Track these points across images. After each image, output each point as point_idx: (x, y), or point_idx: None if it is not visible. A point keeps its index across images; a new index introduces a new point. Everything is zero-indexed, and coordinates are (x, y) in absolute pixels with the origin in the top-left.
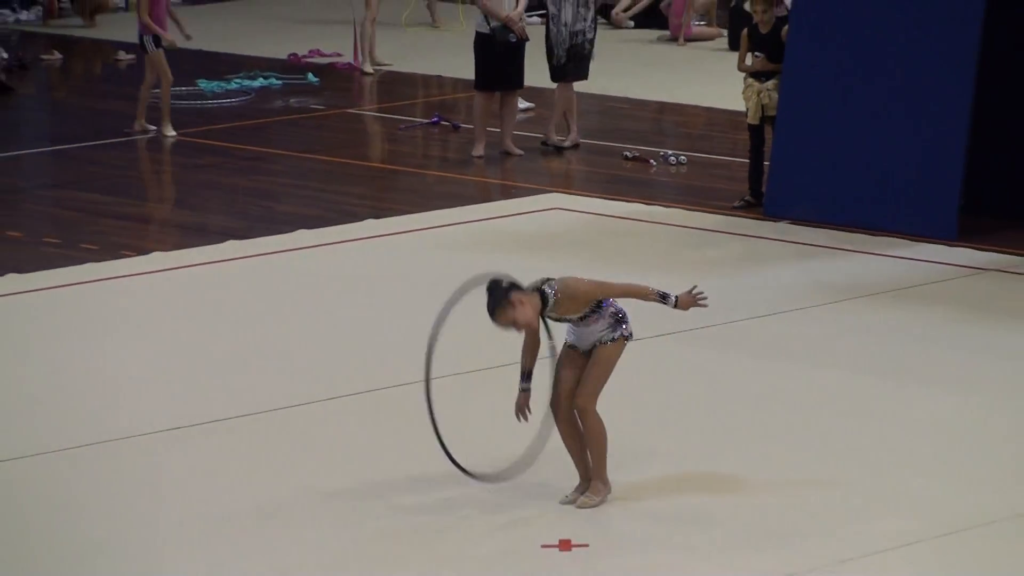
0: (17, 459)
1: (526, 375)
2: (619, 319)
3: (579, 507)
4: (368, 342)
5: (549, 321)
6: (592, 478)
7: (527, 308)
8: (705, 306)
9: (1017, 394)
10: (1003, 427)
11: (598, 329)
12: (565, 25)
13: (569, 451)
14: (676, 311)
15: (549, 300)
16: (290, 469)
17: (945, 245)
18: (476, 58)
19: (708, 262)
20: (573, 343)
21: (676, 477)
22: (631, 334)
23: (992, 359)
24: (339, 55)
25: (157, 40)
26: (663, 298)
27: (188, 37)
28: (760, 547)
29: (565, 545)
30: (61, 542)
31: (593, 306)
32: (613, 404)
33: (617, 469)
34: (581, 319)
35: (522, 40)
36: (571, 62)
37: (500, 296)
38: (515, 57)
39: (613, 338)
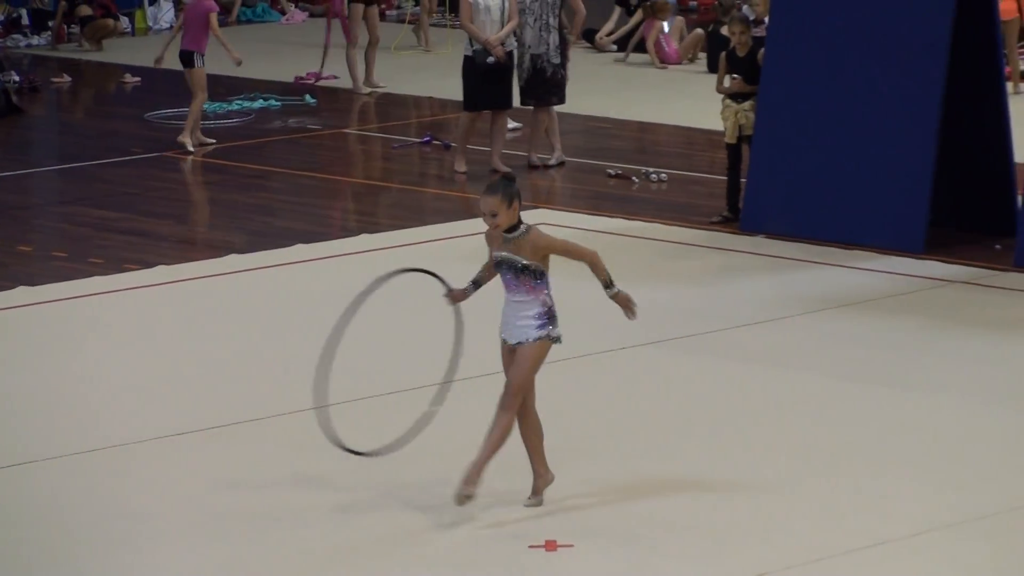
0: (27, 463)
1: (476, 281)
2: (550, 317)
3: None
4: (362, 351)
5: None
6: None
7: (512, 216)
8: (630, 318)
9: (984, 397)
10: (971, 429)
11: (528, 316)
12: (527, 47)
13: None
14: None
15: (519, 228)
16: (283, 475)
17: (913, 258)
18: (463, 80)
19: (687, 274)
20: (504, 335)
21: (656, 479)
22: (559, 337)
23: (960, 364)
24: (335, 77)
25: (203, 57)
26: (608, 284)
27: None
28: (737, 546)
29: (551, 545)
30: (56, 547)
31: (539, 269)
32: (594, 409)
33: (601, 471)
34: (523, 269)
35: (501, 62)
36: (540, 86)
37: (510, 190)
38: (500, 78)
39: (539, 336)
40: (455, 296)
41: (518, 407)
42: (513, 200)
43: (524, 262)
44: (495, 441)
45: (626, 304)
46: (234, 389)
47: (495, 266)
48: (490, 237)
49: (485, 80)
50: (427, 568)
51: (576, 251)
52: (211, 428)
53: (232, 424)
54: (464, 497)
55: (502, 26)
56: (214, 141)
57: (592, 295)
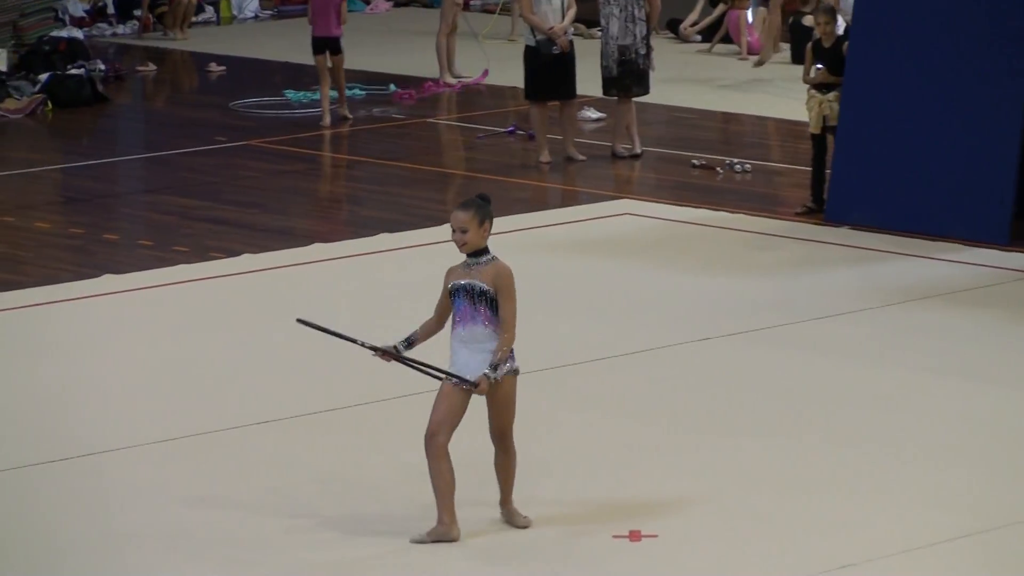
0: (112, 451)
1: (409, 340)
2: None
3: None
4: (443, 341)
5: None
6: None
7: (481, 238)
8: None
9: None
10: None
11: (488, 351)
12: (613, 38)
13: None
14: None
15: (486, 256)
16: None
17: (998, 249)
18: (525, 69)
19: (770, 265)
20: (456, 372)
21: (738, 471)
22: (518, 369)
23: None
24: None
25: (317, 45)
26: (493, 367)
27: None
28: (820, 539)
29: (635, 536)
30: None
31: (490, 305)
32: (675, 402)
33: (684, 463)
34: (482, 295)
35: (565, 53)
36: (627, 77)
37: (484, 209)
38: (563, 68)
39: (508, 371)
40: (385, 357)
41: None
42: (485, 221)
43: (484, 287)
44: (510, 477)
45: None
46: (317, 381)
47: (451, 295)
48: (450, 271)
49: (547, 70)
50: (513, 555)
51: (508, 321)
52: (301, 415)
53: (313, 414)
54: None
55: (562, 16)
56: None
57: (670, 288)
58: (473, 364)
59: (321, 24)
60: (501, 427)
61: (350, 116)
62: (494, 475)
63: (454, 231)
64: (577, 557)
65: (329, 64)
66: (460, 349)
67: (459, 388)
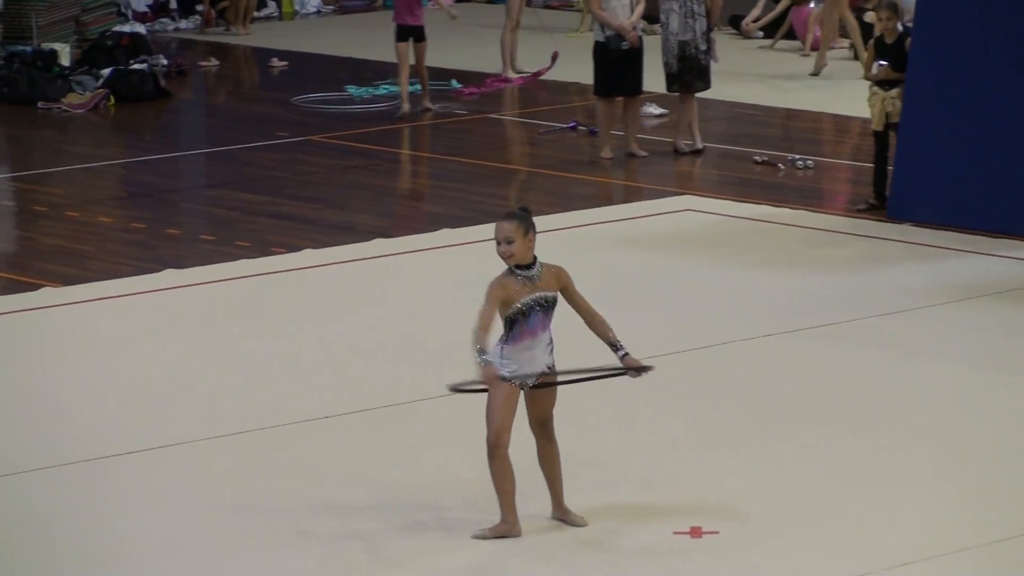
0: (179, 444)
1: (483, 351)
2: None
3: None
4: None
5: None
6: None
7: (526, 249)
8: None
9: None
10: None
11: (549, 346)
12: (673, 34)
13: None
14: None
15: (535, 266)
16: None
17: None
18: (594, 65)
19: (832, 261)
20: (524, 378)
21: (799, 468)
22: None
23: None
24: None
25: (401, 33)
26: (616, 347)
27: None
28: (876, 537)
29: (696, 532)
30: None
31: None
32: (736, 397)
33: (743, 459)
34: (554, 303)
35: (635, 48)
36: (687, 72)
37: (528, 220)
38: (631, 64)
39: (554, 363)
40: (491, 374)
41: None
42: (529, 231)
43: (553, 295)
44: (558, 469)
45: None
46: (378, 375)
47: (525, 312)
48: (504, 286)
49: (616, 66)
50: (577, 552)
51: (590, 308)
52: (354, 412)
53: (372, 409)
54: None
55: (631, 12)
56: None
57: (732, 284)
58: (538, 362)
59: (406, 12)
60: (543, 415)
61: (432, 107)
62: (541, 476)
63: (499, 243)
64: (637, 554)
65: (412, 58)
66: (533, 354)
67: (516, 387)
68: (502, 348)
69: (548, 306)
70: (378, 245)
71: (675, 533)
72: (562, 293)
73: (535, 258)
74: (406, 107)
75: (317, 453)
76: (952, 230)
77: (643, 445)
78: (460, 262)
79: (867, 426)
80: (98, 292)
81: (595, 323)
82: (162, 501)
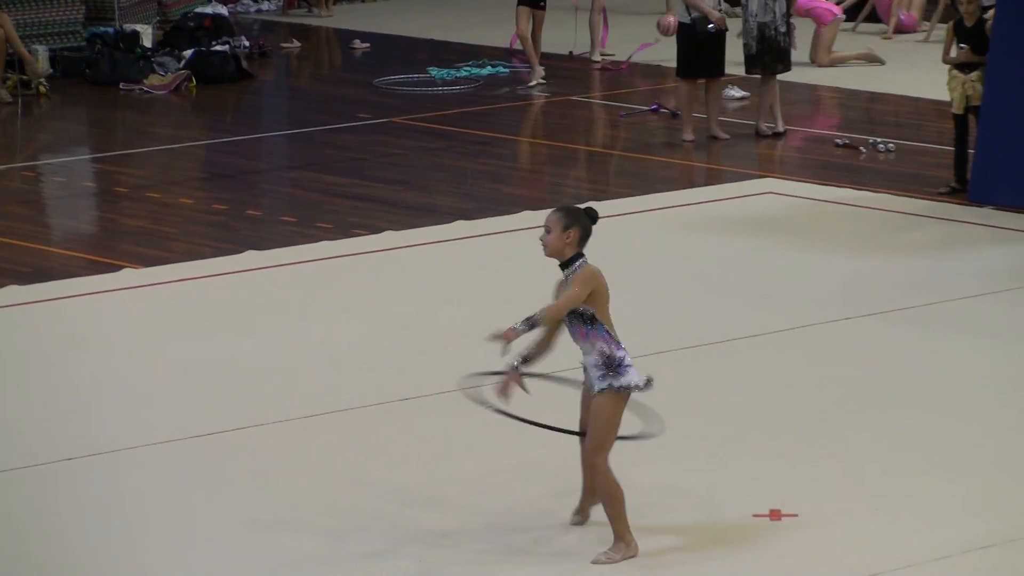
0: (256, 426)
1: (525, 358)
2: (609, 366)
3: (594, 562)
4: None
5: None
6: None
7: (560, 245)
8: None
9: None
10: None
11: (592, 366)
12: (753, 16)
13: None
14: None
15: (575, 263)
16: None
17: None
18: (678, 47)
19: (913, 245)
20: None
21: (878, 449)
22: (625, 386)
23: None
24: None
25: None
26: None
27: None
28: (954, 520)
29: (775, 515)
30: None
31: (587, 312)
32: (815, 380)
33: (823, 441)
34: (571, 314)
35: (721, 30)
36: (767, 54)
37: (574, 215)
38: (716, 46)
39: (603, 388)
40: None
41: (603, 462)
42: (571, 228)
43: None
44: (609, 503)
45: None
46: (450, 358)
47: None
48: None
49: (700, 48)
50: (656, 535)
51: (560, 304)
52: (422, 396)
53: (440, 393)
54: (604, 561)
55: None
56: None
57: (813, 267)
58: (588, 374)
59: None
60: (587, 442)
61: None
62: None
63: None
64: (717, 536)
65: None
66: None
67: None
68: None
69: (568, 316)
70: (459, 227)
71: (754, 516)
72: (592, 296)
73: (575, 258)
74: (539, 73)
75: (410, 435)
76: None
77: (722, 427)
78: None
79: (951, 410)
80: (179, 273)
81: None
82: (249, 482)
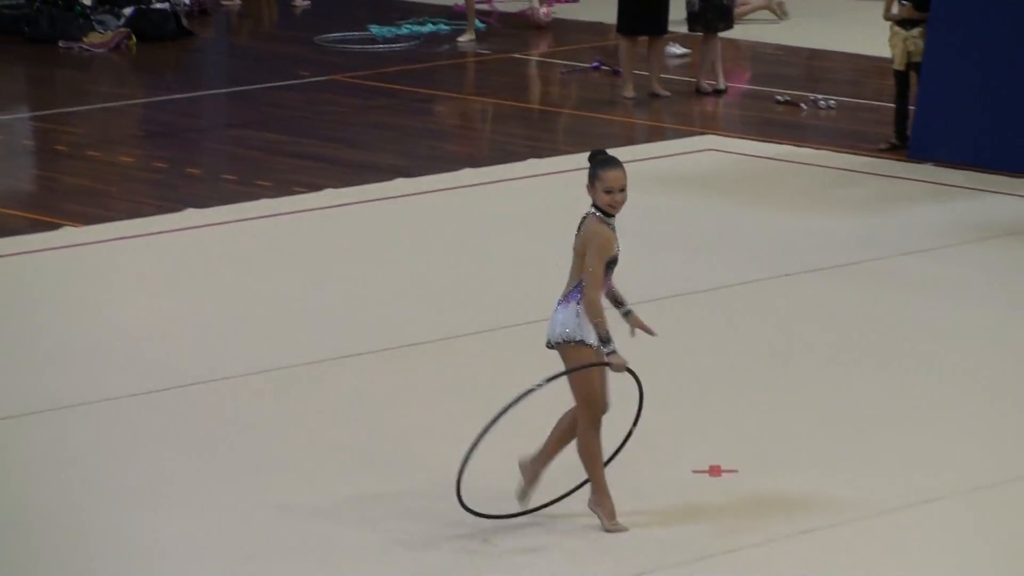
0: (196, 384)
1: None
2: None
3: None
4: (525, 277)
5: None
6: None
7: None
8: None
9: None
10: None
11: (559, 320)
12: None
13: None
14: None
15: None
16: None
17: None
18: (620, 3)
19: (854, 201)
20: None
21: (820, 406)
22: (582, 340)
23: None
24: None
25: None
26: (604, 341)
27: None
28: (899, 474)
29: (715, 471)
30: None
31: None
32: (754, 337)
33: (763, 398)
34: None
35: None
36: (709, 11)
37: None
38: (658, 4)
39: (572, 340)
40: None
41: (583, 419)
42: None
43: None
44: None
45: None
46: (391, 314)
47: (610, 265)
48: (611, 243)
49: (641, 5)
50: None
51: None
52: (371, 352)
53: (392, 349)
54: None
55: None
56: None
57: (754, 223)
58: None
59: None
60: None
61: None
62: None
63: (613, 191)
64: (656, 492)
65: None
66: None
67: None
68: (578, 311)
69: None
70: (400, 184)
71: (694, 472)
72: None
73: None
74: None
75: (340, 391)
76: (973, 170)
77: (662, 384)
78: (481, 201)
79: (887, 364)
80: (119, 232)
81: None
82: (180, 439)
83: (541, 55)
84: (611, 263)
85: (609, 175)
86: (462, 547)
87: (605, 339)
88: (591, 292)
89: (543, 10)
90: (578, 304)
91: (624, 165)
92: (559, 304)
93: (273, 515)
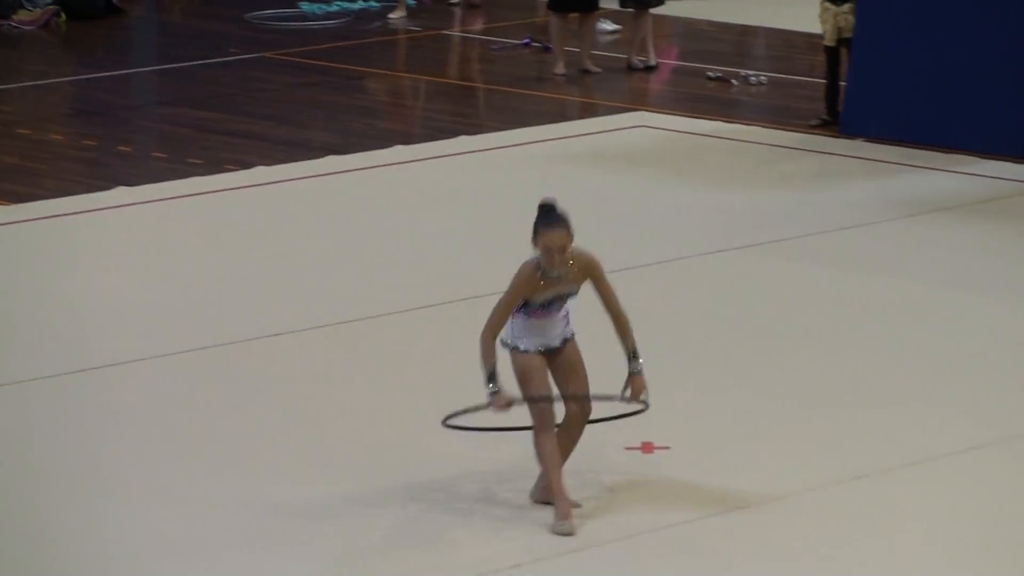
0: (128, 362)
1: (494, 374)
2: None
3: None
4: (455, 253)
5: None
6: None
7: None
8: (641, 406)
9: None
10: None
11: (563, 316)
12: None
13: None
14: None
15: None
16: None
17: (1014, 162)
18: None
19: (785, 177)
20: (540, 347)
21: (751, 383)
22: (516, 347)
23: None
24: None
25: None
26: (633, 355)
27: None
28: (832, 452)
29: (648, 448)
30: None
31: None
32: (687, 312)
33: (695, 373)
34: (566, 297)
35: None
36: None
37: (566, 215)
38: None
39: (572, 332)
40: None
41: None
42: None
43: (575, 289)
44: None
45: (639, 389)
46: (326, 290)
47: (546, 304)
48: (530, 287)
49: None
50: (529, 470)
51: (617, 306)
52: (308, 329)
53: (332, 325)
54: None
55: None
56: None
57: (685, 199)
58: (553, 333)
59: None
60: (587, 389)
61: None
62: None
63: (552, 252)
64: (590, 469)
65: None
66: (544, 324)
67: (540, 356)
68: (512, 323)
69: (566, 298)
70: (331, 162)
71: (626, 448)
72: (592, 283)
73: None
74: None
75: (274, 368)
76: (903, 145)
77: (593, 359)
78: (412, 178)
79: (819, 340)
80: (50, 210)
81: (619, 324)
82: (128, 415)
83: (472, 32)
84: (541, 303)
85: (548, 236)
86: (399, 524)
87: (488, 378)
88: (485, 328)
89: None
90: (514, 318)
91: (569, 222)
92: None
93: (214, 494)
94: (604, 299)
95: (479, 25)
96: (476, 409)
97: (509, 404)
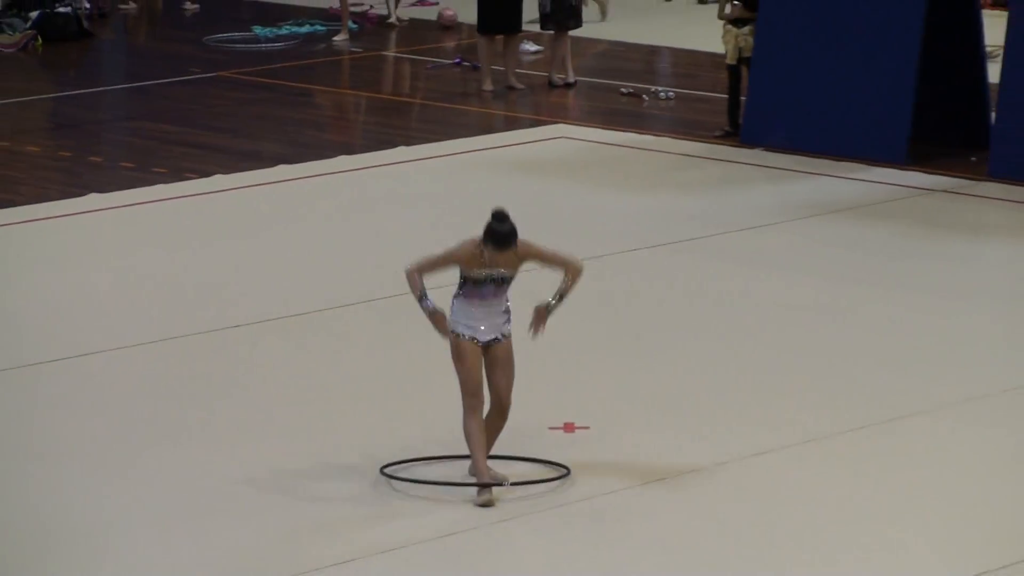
0: (101, 352)
1: (426, 295)
2: (508, 314)
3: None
4: (395, 251)
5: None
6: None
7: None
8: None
9: (962, 294)
10: (948, 324)
11: (501, 313)
12: None
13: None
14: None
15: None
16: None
17: (897, 169)
18: (479, 5)
19: (692, 183)
20: (477, 335)
21: (662, 370)
22: (454, 330)
23: (939, 265)
24: (371, 7)
25: None
26: (559, 296)
27: None
28: (742, 428)
29: (569, 428)
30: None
31: (504, 282)
32: (599, 309)
33: (611, 364)
34: (508, 280)
35: None
36: (560, 12)
37: (515, 230)
38: (513, 4)
39: (510, 332)
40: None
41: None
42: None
43: (509, 274)
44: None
45: (537, 320)
46: (279, 288)
47: (476, 281)
48: (467, 259)
49: (499, 6)
50: (451, 449)
51: (560, 259)
52: (265, 321)
53: (281, 318)
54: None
55: None
56: None
57: (601, 203)
58: (489, 324)
59: None
60: (501, 394)
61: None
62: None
63: (494, 265)
64: (512, 446)
65: None
66: (477, 313)
67: (476, 345)
68: (454, 302)
69: (502, 281)
70: (282, 170)
71: (550, 429)
72: (533, 262)
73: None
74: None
75: (230, 360)
76: (800, 154)
77: (519, 351)
78: (356, 185)
79: (724, 329)
80: (27, 215)
81: (568, 270)
82: (90, 405)
83: (408, 52)
84: (475, 279)
85: (495, 256)
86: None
87: (420, 300)
88: (412, 266)
89: (448, 12)
90: (455, 297)
91: (515, 241)
92: None
93: (172, 473)
94: (548, 260)
95: (413, 46)
96: (415, 460)
97: (444, 318)
